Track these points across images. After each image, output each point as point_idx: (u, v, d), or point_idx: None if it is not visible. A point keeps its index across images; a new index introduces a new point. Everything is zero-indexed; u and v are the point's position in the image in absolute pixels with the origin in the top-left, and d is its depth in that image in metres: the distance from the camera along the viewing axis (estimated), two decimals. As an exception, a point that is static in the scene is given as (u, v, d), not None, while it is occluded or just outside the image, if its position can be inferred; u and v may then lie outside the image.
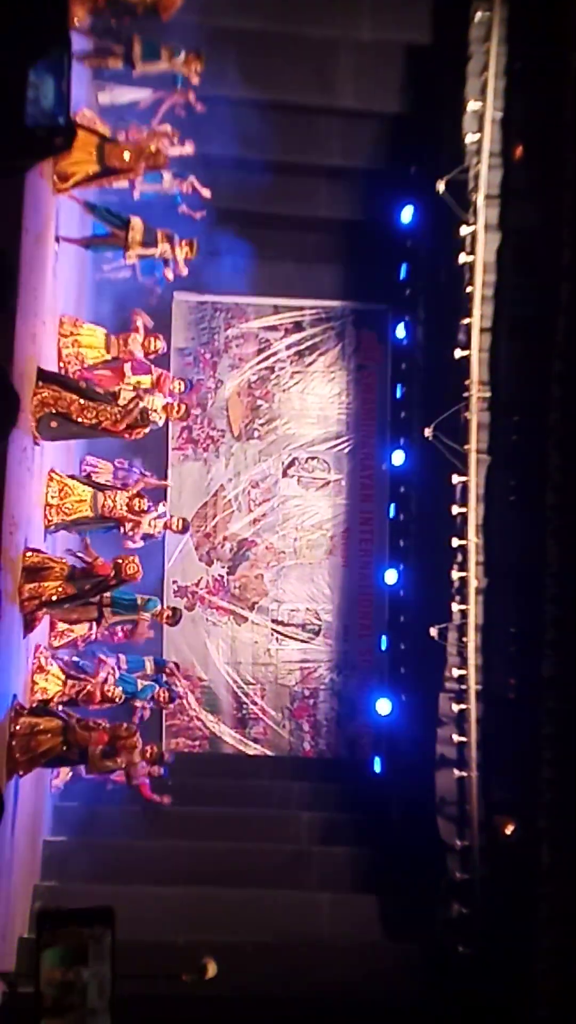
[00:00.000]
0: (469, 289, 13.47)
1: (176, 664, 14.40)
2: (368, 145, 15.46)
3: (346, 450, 17.07)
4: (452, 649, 13.41)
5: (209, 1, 13.34)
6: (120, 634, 13.22)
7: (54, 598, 10.72)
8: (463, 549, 13.41)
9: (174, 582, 16.59)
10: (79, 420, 10.96)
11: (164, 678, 13.95)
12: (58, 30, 5.35)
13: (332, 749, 16.60)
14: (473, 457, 13.40)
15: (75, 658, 12.79)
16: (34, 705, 10.91)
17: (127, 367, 12.40)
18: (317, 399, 17.13)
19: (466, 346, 13.51)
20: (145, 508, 12.73)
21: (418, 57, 14.53)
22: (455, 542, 13.45)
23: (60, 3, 5.25)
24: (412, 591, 15.50)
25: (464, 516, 13.42)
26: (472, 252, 13.47)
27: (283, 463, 17.01)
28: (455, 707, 13.33)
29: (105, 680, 12.49)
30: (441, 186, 13.51)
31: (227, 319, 17.04)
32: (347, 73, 14.70)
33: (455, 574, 13.47)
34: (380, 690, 15.90)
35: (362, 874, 14.19)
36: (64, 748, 10.40)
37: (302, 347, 17.12)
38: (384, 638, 16.40)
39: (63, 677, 11.92)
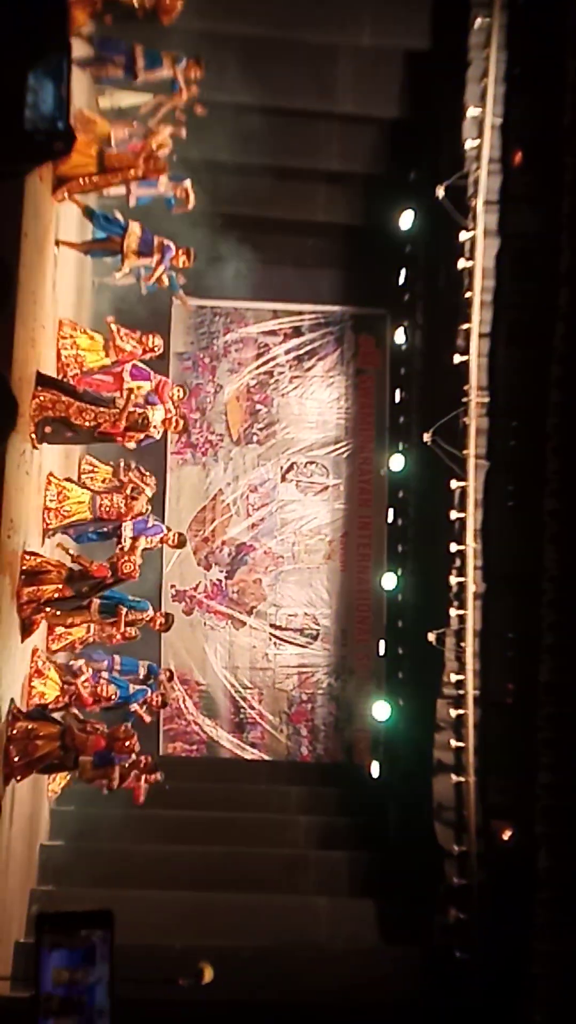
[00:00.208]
0: (468, 294, 13.49)
1: (171, 672, 14.34)
2: (368, 150, 15.49)
3: (345, 455, 17.08)
4: (450, 654, 13.41)
5: (209, 6, 13.35)
6: (117, 637, 13.22)
7: (53, 599, 10.74)
8: (461, 554, 13.41)
9: (172, 586, 16.59)
10: (77, 423, 10.97)
11: (157, 684, 13.90)
12: (58, 36, 5.37)
13: (330, 754, 16.60)
14: (472, 462, 13.40)
15: (70, 662, 12.81)
16: (31, 710, 10.92)
17: (126, 373, 12.40)
18: (316, 404, 17.15)
19: (465, 351, 13.52)
20: (144, 510, 12.86)
21: (418, 63, 14.56)
22: (453, 547, 13.46)
23: (60, 9, 5.27)
24: (410, 596, 15.50)
25: (462, 521, 13.42)
26: (471, 257, 13.49)
27: (282, 468, 17.02)
28: (453, 712, 13.33)
29: (96, 682, 12.48)
30: (440, 192, 13.53)
31: (226, 324, 17.07)
32: (347, 78, 14.72)
33: (453, 579, 13.47)
34: (378, 695, 15.90)
35: (360, 879, 14.17)
36: (61, 753, 10.40)
37: (301, 352, 17.14)
38: (382, 643, 16.40)
39: (60, 681, 11.93)
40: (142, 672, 13.48)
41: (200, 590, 16.71)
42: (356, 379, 17.21)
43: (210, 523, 16.82)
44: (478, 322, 13.43)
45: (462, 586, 13.41)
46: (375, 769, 16.03)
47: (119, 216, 12.82)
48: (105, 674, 12.87)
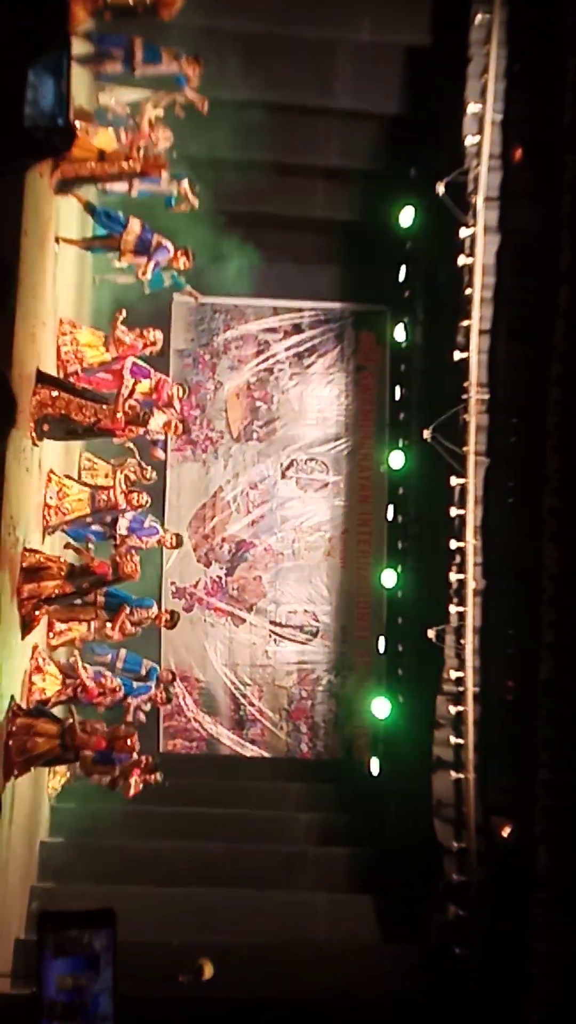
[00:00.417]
0: (468, 291, 13.48)
1: (173, 673, 14.34)
2: (367, 146, 15.46)
3: (345, 452, 17.07)
4: (450, 651, 13.41)
5: (209, 2, 13.33)
6: (118, 635, 13.22)
7: (53, 596, 10.74)
8: (461, 551, 13.41)
9: (172, 583, 16.58)
10: (77, 419, 10.97)
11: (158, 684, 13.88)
12: (58, 32, 5.36)
13: (329, 751, 16.60)
14: (472, 459, 13.40)
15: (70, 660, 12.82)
16: (32, 707, 10.92)
17: (126, 371, 12.39)
18: (316, 401, 17.13)
19: (465, 348, 13.51)
20: (144, 503, 12.92)
21: (418, 59, 14.53)
22: (453, 544, 13.45)
23: (60, 5, 5.26)
24: (410, 593, 15.49)
25: (462, 518, 13.42)
26: (471, 254, 13.48)
27: (282, 465, 17.01)
28: (453, 709, 13.33)
29: (101, 675, 12.50)
30: (440, 188, 13.51)
31: (226, 321, 17.04)
32: (346, 74, 14.69)
33: (453, 576, 13.47)
34: (378, 692, 15.89)
35: (359, 875, 14.18)
36: (60, 751, 10.40)
37: (301, 349, 17.12)
38: (382, 640, 16.39)
39: (61, 676, 11.92)
40: (144, 670, 13.50)
41: (200, 587, 16.71)
42: (356, 376, 17.18)
43: (210, 520, 16.81)
44: (478, 319, 13.42)
45: (462, 583, 13.40)
46: (375, 766, 16.02)
47: (120, 213, 12.80)
48: (107, 670, 12.89)
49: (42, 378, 10.83)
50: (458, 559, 13.44)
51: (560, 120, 12.67)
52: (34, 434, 10.69)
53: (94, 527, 12.98)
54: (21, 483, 10.16)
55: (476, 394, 13.41)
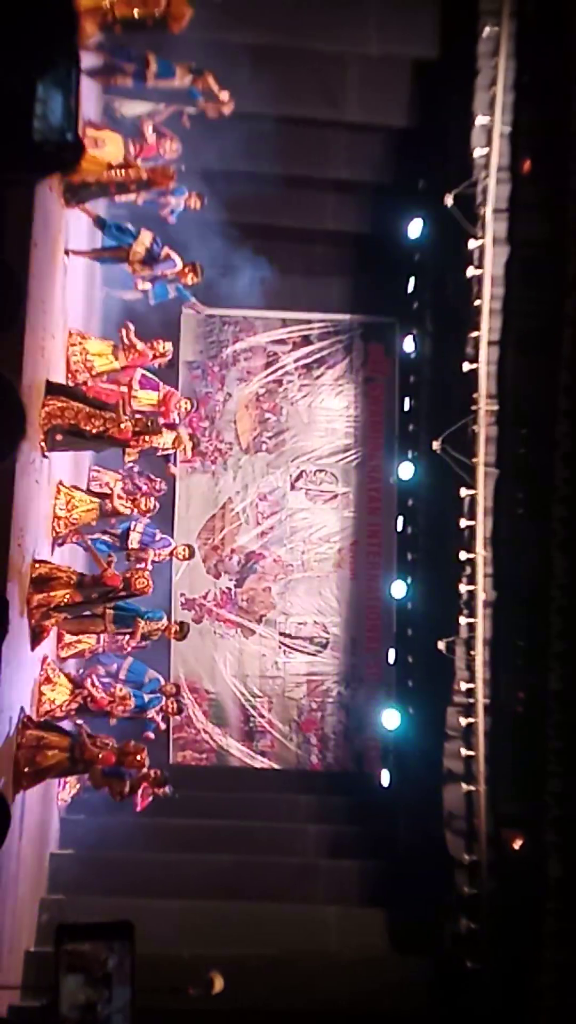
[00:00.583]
0: (477, 302, 13.48)
1: (177, 687, 14.30)
2: (376, 159, 15.50)
3: (354, 463, 17.07)
4: (460, 662, 13.38)
5: (217, 15, 13.38)
6: (128, 648, 13.24)
7: (62, 604, 10.75)
8: (471, 562, 13.39)
9: (182, 595, 16.58)
10: (87, 429, 10.99)
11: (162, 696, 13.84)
12: (67, 45, 5.37)
13: (340, 762, 16.56)
14: (481, 470, 13.39)
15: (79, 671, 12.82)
16: (42, 719, 10.91)
17: (135, 382, 12.41)
18: (325, 412, 17.14)
19: (474, 359, 13.51)
20: (152, 507, 12.96)
21: (426, 71, 14.58)
22: (463, 555, 13.44)
23: (69, 18, 5.27)
24: (420, 604, 15.47)
25: (472, 529, 13.41)
26: (480, 266, 13.49)
27: (291, 476, 17.02)
28: (463, 721, 13.30)
29: (110, 684, 12.50)
30: (449, 200, 13.54)
31: (235, 332, 17.08)
32: (355, 87, 14.74)
33: (463, 587, 13.45)
34: (388, 703, 15.88)
35: (369, 888, 14.14)
36: (70, 764, 10.40)
37: (310, 360, 17.14)
38: (392, 651, 16.37)
39: (70, 687, 11.92)
40: (147, 680, 13.48)
41: (210, 598, 16.70)
42: (365, 387, 17.19)
43: (219, 531, 16.82)
44: (487, 330, 13.42)
45: (472, 594, 13.38)
46: (385, 778, 16.00)
47: (130, 226, 12.84)
48: (111, 679, 12.88)
49: (51, 388, 10.85)
50: (468, 570, 13.42)
51: (568, 132, 12.69)
52: (43, 444, 10.71)
53: (103, 538, 13.01)
54: (31, 495, 10.18)
55: (485, 405, 13.41)
